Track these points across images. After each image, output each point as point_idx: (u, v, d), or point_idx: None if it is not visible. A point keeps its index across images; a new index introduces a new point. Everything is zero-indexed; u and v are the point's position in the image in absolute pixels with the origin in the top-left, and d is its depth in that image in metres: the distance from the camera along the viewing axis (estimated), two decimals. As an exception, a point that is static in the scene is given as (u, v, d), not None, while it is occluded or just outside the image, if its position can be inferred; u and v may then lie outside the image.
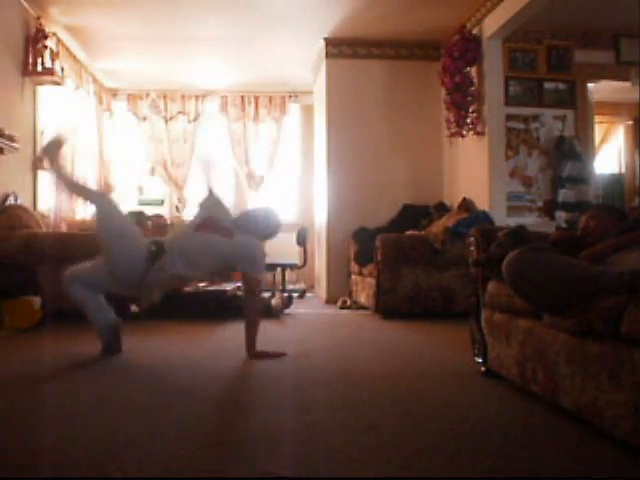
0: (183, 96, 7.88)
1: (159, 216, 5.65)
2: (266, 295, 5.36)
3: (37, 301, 4.01)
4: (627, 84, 6.19)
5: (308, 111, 7.93)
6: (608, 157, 7.73)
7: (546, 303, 1.97)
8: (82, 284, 3.11)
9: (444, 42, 5.87)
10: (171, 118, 7.89)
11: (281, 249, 7.75)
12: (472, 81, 5.49)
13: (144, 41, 6.26)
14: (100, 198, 3.30)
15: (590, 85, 6.14)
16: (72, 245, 4.41)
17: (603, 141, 7.70)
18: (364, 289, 5.32)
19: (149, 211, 6.15)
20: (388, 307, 4.78)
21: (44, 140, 5.53)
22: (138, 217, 5.04)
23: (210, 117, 8.02)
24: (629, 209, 6.00)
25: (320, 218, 6.73)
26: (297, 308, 5.35)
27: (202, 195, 3.32)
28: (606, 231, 2.27)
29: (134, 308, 4.75)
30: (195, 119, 7.93)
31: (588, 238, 2.32)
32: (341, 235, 6.13)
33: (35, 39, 5.20)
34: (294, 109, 8.17)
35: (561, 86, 5.94)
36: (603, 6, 5.40)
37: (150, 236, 4.63)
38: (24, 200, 5.07)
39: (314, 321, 4.78)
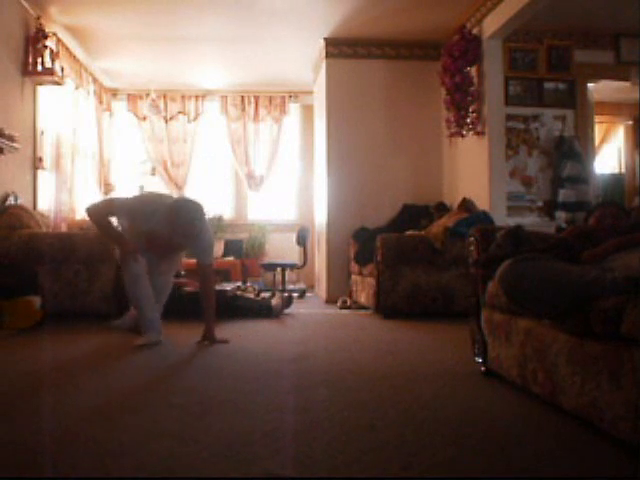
0: (183, 96, 7.88)
1: None
2: (266, 295, 5.36)
3: (37, 301, 4.01)
4: (627, 84, 6.19)
5: (308, 111, 7.93)
6: (608, 157, 7.73)
7: (543, 312, 1.99)
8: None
9: (444, 42, 5.87)
10: (171, 118, 7.89)
11: (281, 249, 7.77)
12: (472, 81, 5.49)
13: (144, 41, 6.26)
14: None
15: (590, 85, 6.13)
16: (72, 245, 4.42)
17: (603, 141, 7.70)
18: (364, 289, 5.32)
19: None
20: (388, 307, 4.78)
21: (44, 140, 5.54)
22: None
23: (210, 117, 8.02)
24: (629, 209, 6.00)
25: (320, 218, 6.73)
26: (297, 308, 5.35)
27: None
28: (616, 221, 2.28)
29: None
30: (195, 119, 7.93)
31: (601, 232, 2.30)
32: (341, 235, 6.13)
33: (35, 39, 5.20)
34: (294, 109, 8.17)
35: (561, 86, 5.94)
36: (603, 6, 5.40)
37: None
38: (24, 200, 5.07)
39: (314, 321, 4.78)
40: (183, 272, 5.58)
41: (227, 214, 8.12)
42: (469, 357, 2.73)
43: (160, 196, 3.70)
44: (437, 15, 5.60)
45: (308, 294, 6.91)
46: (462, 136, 5.60)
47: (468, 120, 5.49)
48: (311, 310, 5.48)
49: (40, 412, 2.06)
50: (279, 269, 6.80)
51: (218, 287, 5.05)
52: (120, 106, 7.89)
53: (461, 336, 3.07)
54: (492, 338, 2.51)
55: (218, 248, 7.45)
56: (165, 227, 3.37)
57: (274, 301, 4.97)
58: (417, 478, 1.47)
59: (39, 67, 5.21)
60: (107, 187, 7.58)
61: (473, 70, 5.51)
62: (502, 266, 2.09)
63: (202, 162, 8.18)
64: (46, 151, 5.59)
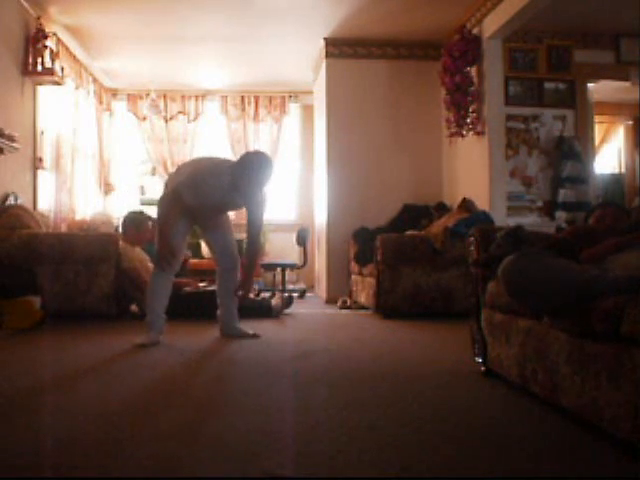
0: (183, 96, 7.88)
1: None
2: (266, 295, 5.36)
3: (37, 301, 4.01)
4: (627, 84, 6.19)
5: (308, 111, 7.93)
6: (608, 157, 7.73)
7: (543, 308, 1.99)
8: None
9: (444, 42, 5.88)
10: (171, 118, 7.89)
11: (281, 249, 7.77)
12: (472, 81, 5.49)
13: (144, 41, 6.26)
14: None
15: (590, 85, 6.13)
16: (72, 245, 4.42)
17: (603, 141, 7.70)
18: (364, 289, 5.32)
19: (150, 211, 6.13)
20: (388, 307, 4.78)
21: (44, 140, 5.54)
22: (138, 217, 5.04)
23: (210, 117, 8.02)
24: (629, 209, 6.00)
25: (320, 218, 6.73)
26: (297, 308, 5.35)
27: None
28: (615, 221, 2.29)
29: (133, 308, 4.76)
30: (195, 119, 7.93)
31: (601, 232, 2.31)
32: (341, 235, 6.13)
33: (35, 39, 5.20)
34: (294, 109, 8.17)
35: (561, 86, 5.94)
36: (603, 6, 5.41)
37: (150, 237, 4.63)
38: (24, 200, 5.07)
39: (314, 321, 4.78)
40: (188, 259, 5.53)
41: (227, 214, 8.10)
42: (469, 357, 2.73)
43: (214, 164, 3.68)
44: (437, 15, 5.60)
45: (308, 294, 6.91)
46: (462, 136, 5.60)
47: (468, 120, 5.50)
48: (311, 310, 5.48)
49: (40, 412, 2.06)
50: (279, 269, 6.79)
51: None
52: (120, 106, 7.89)
53: (461, 336, 3.07)
54: (492, 338, 2.51)
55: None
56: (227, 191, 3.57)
57: (274, 301, 4.97)
58: (417, 478, 1.47)
59: (39, 67, 5.21)
60: (107, 187, 7.59)
61: (473, 70, 5.51)
62: (504, 262, 2.09)
63: (202, 162, 8.16)
64: (46, 151, 5.59)
